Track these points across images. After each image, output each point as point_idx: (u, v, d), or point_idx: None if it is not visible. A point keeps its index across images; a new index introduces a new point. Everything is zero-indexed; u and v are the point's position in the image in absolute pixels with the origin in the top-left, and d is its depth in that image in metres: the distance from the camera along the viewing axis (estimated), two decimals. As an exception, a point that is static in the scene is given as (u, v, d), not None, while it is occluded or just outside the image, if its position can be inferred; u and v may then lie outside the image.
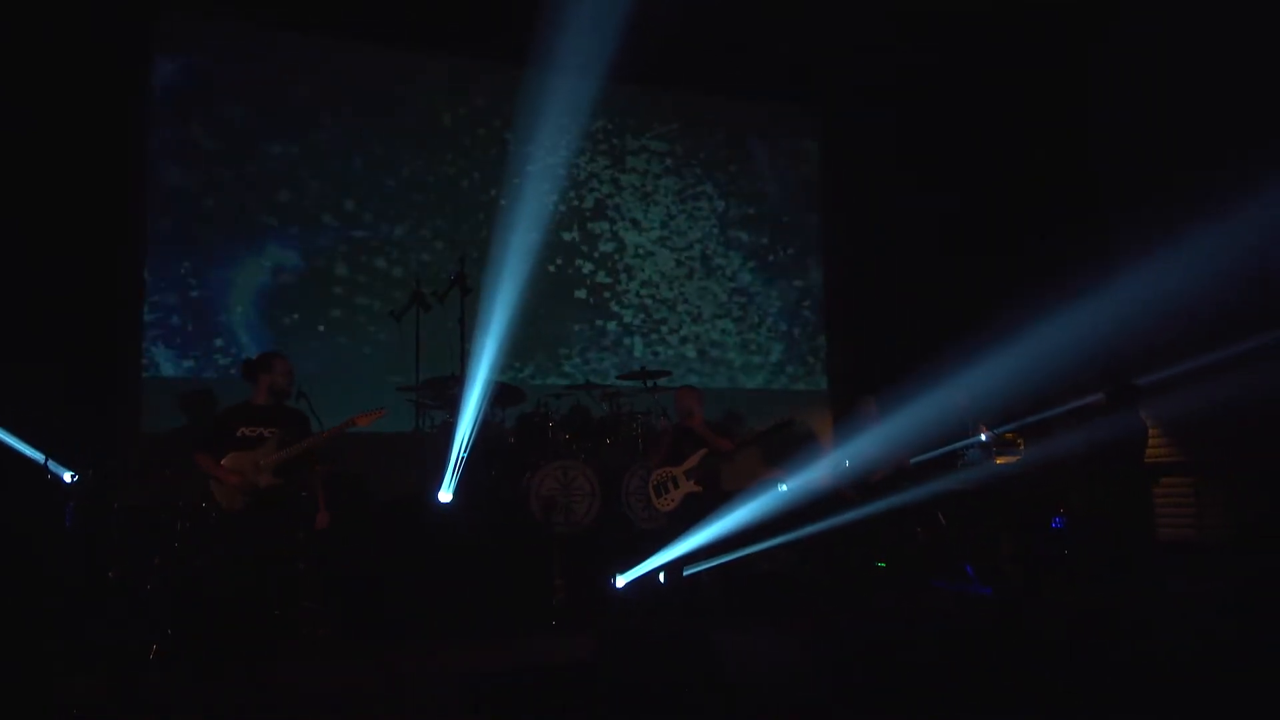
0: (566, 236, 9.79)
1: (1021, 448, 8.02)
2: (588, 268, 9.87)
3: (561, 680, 4.28)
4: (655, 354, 9.89)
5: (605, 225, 10.02)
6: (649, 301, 10.10)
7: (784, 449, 7.79)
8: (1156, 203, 8.11)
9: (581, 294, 9.81)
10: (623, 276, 10.01)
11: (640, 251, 10.13)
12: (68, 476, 6.20)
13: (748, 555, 6.68)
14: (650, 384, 8.34)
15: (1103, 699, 4.27)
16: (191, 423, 8.08)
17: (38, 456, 5.77)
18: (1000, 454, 7.98)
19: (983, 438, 7.93)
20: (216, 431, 5.61)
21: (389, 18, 8.85)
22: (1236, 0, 8.18)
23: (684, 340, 10.18)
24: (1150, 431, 7.76)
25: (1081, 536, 7.61)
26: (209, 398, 8.08)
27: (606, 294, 9.92)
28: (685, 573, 6.53)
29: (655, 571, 6.53)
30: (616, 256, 10.03)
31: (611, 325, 9.89)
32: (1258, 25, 7.95)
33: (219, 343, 8.48)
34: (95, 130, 7.92)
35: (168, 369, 8.32)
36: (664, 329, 10.13)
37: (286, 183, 8.87)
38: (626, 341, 9.93)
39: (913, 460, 7.66)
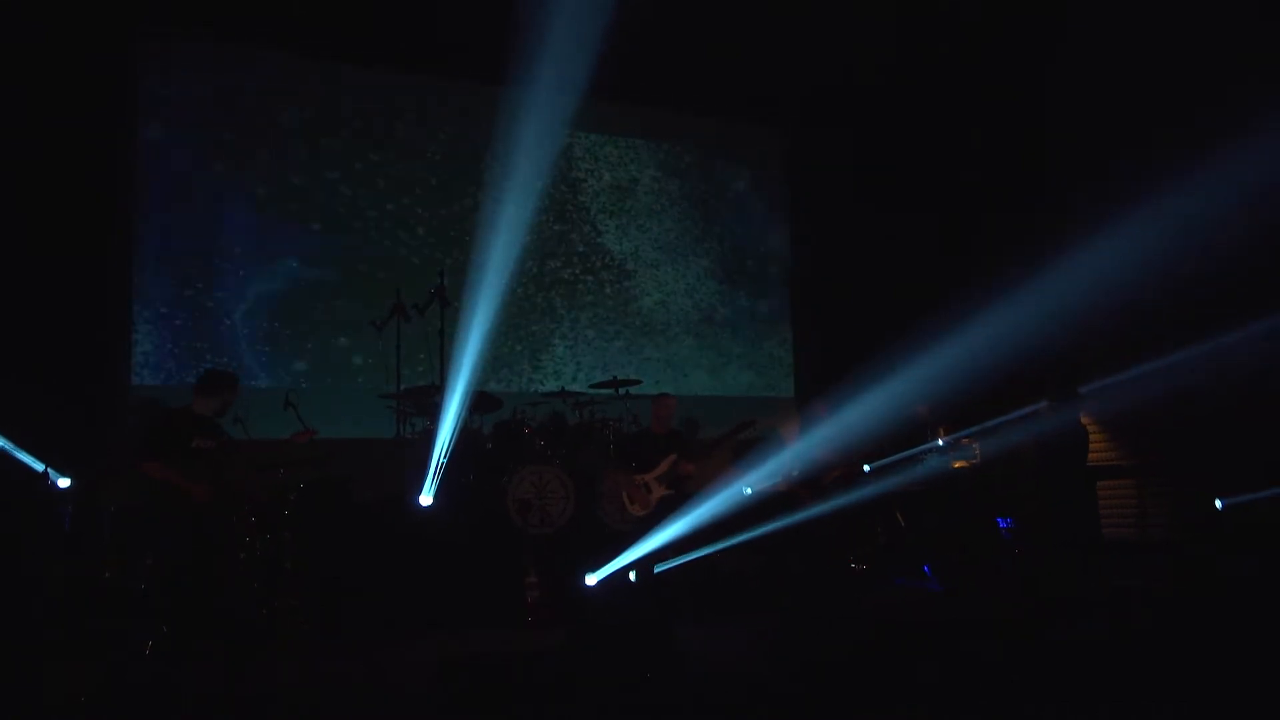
0: (542, 250, 10.11)
1: (977, 451, 8.37)
2: (561, 280, 10.21)
3: (531, 668, 4.58)
4: (626, 362, 10.22)
5: (578, 239, 10.37)
6: (621, 310, 10.44)
7: (747, 451, 8.13)
8: (1109, 202, 8.34)
9: (555, 304, 10.15)
10: (594, 288, 10.36)
11: (611, 264, 10.48)
12: (63, 482, 6.43)
13: (713, 553, 7.01)
14: (622, 392, 8.67)
15: (1044, 686, 4.51)
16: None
17: (38, 466, 6.01)
18: (956, 457, 8.35)
19: (940, 442, 8.30)
20: (171, 441, 5.76)
21: (370, 38, 9.18)
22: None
23: (654, 348, 10.52)
24: (1093, 435, 8.16)
25: (1028, 535, 7.98)
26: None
27: (579, 304, 10.27)
28: (656, 569, 6.86)
29: (625, 570, 6.84)
30: (588, 269, 10.37)
31: (584, 334, 10.23)
32: (1212, 14, 8.16)
33: (204, 350, 8.73)
34: (84, 144, 8.15)
35: (154, 376, 8.56)
36: (634, 337, 10.47)
37: (272, 196, 9.14)
38: (598, 349, 10.26)
39: (873, 464, 8.01)
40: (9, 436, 5.98)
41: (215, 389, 5.99)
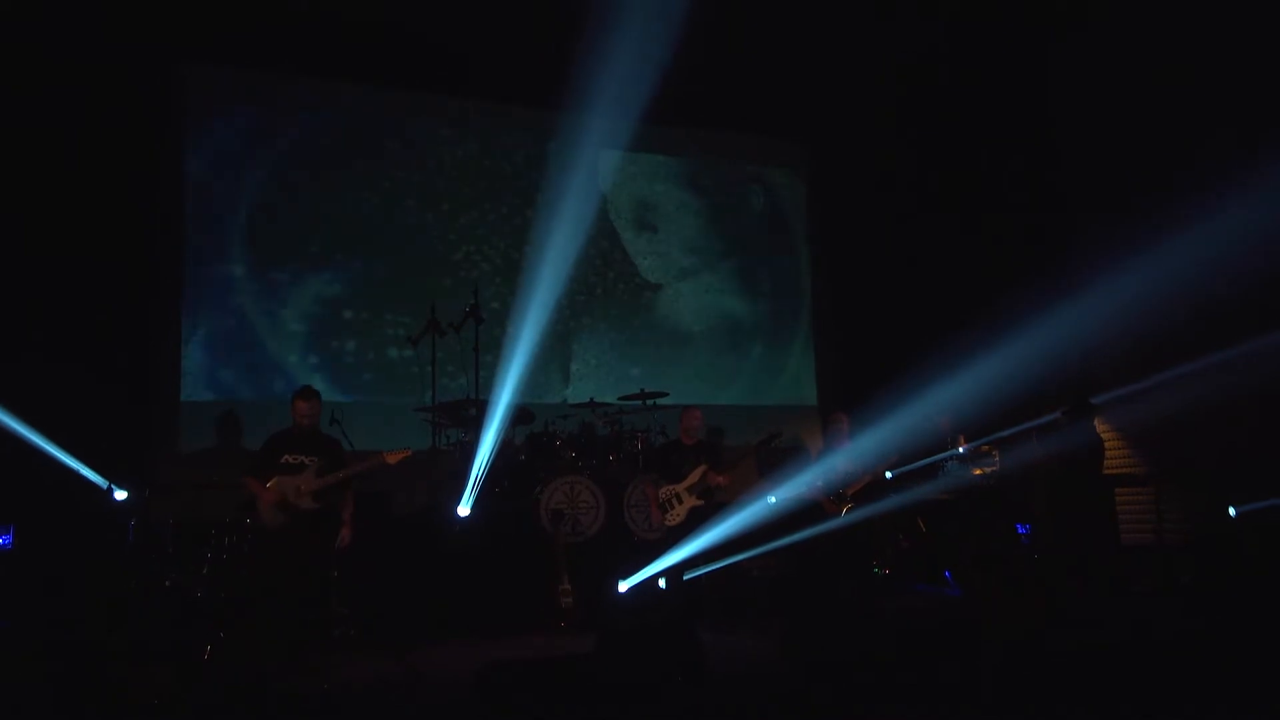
0: (575, 265, 10.35)
1: (996, 459, 8.55)
2: (589, 294, 10.51)
3: (563, 670, 4.84)
4: (653, 374, 10.43)
5: (604, 253, 10.66)
6: (646, 323, 10.72)
7: (773, 461, 8.36)
8: (1123, 216, 8.45)
9: (583, 317, 10.45)
10: (620, 301, 10.66)
11: (636, 277, 10.76)
12: (120, 495, 6.81)
13: (739, 561, 7.25)
14: (650, 403, 8.92)
15: (1061, 690, 4.64)
16: (222, 443, 8.72)
17: (102, 482, 6.39)
18: (977, 465, 8.54)
19: (961, 450, 8.49)
20: (263, 457, 6.24)
21: (417, 67, 9.58)
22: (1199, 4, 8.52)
23: (679, 359, 10.78)
24: (1112, 444, 8.31)
25: (1046, 541, 8.15)
26: (238, 421, 8.75)
27: (606, 317, 10.56)
28: (685, 577, 7.10)
29: (655, 577, 7.08)
30: (614, 282, 10.67)
31: (611, 346, 10.50)
32: (1221, 29, 8.20)
33: (250, 367, 9.09)
34: (133, 163, 8.53)
35: (204, 392, 8.94)
36: (660, 349, 10.74)
37: (318, 214, 9.51)
38: (625, 361, 10.53)
39: (894, 472, 8.21)
40: (75, 454, 6.36)
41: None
